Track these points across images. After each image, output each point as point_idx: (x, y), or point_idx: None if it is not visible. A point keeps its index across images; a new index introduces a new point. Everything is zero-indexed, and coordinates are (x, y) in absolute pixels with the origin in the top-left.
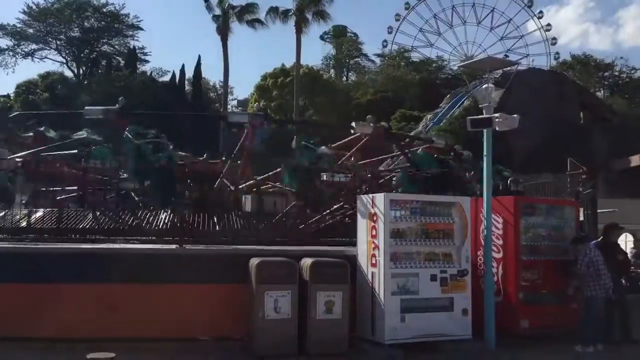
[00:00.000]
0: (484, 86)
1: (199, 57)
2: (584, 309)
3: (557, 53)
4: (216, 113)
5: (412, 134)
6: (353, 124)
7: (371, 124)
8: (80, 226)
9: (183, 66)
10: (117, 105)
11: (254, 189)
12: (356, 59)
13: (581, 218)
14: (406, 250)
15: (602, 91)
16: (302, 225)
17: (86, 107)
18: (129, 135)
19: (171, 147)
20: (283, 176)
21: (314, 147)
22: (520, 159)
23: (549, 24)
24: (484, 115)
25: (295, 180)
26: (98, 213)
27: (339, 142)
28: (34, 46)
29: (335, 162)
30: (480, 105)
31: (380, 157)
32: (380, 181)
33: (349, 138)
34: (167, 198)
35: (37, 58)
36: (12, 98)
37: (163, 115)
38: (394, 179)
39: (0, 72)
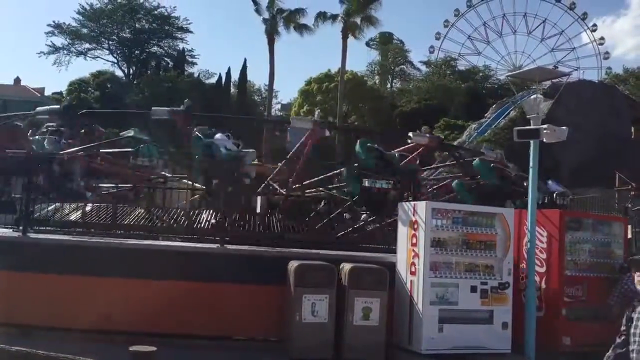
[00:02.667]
0: (532, 96)
1: (245, 60)
2: None
3: (609, 68)
4: (280, 118)
5: (455, 143)
6: (410, 134)
7: (427, 135)
8: (125, 222)
9: (229, 69)
10: (181, 106)
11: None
12: (401, 66)
13: (629, 235)
14: (446, 260)
15: None
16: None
17: (153, 108)
18: (199, 135)
19: (240, 146)
20: (345, 180)
21: (379, 148)
22: (568, 172)
23: (602, 38)
24: (532, 126)
25: (358, 185)
26: (144, 210)
27: (394, 151)
28: (87, 45)
29: (399, 163)
30: (527, 116)
31: (433, 166)
32: (432, 189)
33: (403, 147)
34: (233, 199)
35: (90, 57)
36: (64, 95)
37: (226, 118)
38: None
39: (54, 70)
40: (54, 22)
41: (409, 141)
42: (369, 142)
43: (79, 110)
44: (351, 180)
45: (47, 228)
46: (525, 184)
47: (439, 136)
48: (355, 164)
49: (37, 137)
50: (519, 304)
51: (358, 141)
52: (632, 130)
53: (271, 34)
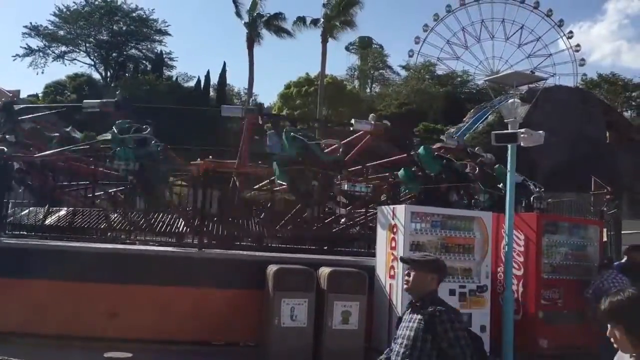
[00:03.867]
0: (510, 101)
1: (224, 63)
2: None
3: (585, 74)
4: (212, 107)
5: (435, 146)
6: (353, 121)
7: (372, 122)
8: (102, 226)
9: (208, 72)
10: (115, 99)
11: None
12: (381, 71)
13: (605, 238)
14: None
15: (629, 111)
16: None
17: (84, 101)
18: (115, 130)
19: (154, 141)
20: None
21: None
22: (544, 176)
23: (578, 45)
24: (509, 131)
25: (285, 175)
26: (121, 213)
27: (342, 141)
28: (64, 48)
29: (325, 153)
30: (505, 120)
31: (386, 160)
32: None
33: (351, 137)
34: (151, 191)
35: (67, 60)
36: (40, 98)
37: (163, 108)
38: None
39: (31, 72)
40: (30, 23)
41: (351, 129)
42: (294, 131)
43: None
44: (278, 169)
45: (22, 232)
46: (470, 175)
47: (385, 123)
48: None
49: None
50: (497, 307)
51: (284, 131)
52: (607, 134)
53: (250, 38)
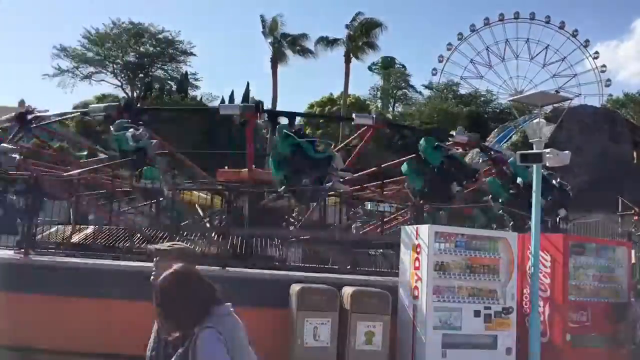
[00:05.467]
0: (535, 120)
1: (247, 83)
2: None
3: (610, 94)
4: (207, 107)
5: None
6: (354, 115)
7: (373, 116)
8: (127, 244)
9: (232, 92)
10: (118, 102)
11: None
12: (403, 90)
13: (633, 260)
14: (449, 284)
15: None
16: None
17: (90, 106)
18: (112, 128)
19: (147, 135)
20: (269, 165)
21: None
22: (566, 199)
23: (604, 65)
24: (534, 151)
25: (281, 171)
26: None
27: (348, 140)
28: (92, 69)
29: (317, 150)
30: (530, 140)
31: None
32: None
33: (355, 135)
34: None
35: (95, 80)
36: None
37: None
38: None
39: (59, 92)
40: (59, 45)
41: (352, 123)
42: (286, 128)
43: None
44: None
45: (50, 250)
46: (470, 165)
47: (384, 115)
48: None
49: (117, 133)
50: (523, 329)
51: (277, 128)
52: (634, 154)
53: (274, 59)
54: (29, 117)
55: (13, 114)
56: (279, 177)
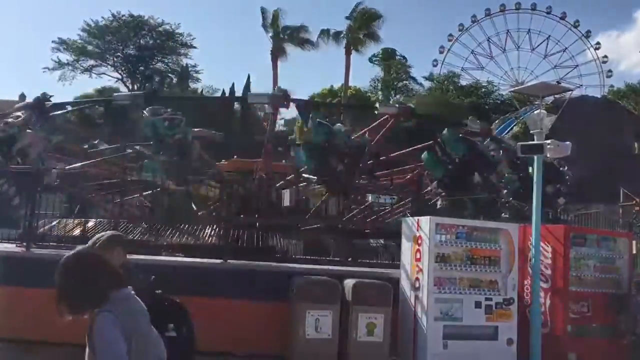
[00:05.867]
0: (535, 112)
1: (248, 76)
2: None
3: (612, 86)
4: (235, 97)
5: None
6: (377, 104)
7: (397, 105)
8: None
9: (233, 85)
10: (145, 91)
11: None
12: (404, 82)
13: (634, 251)
14: (450, 276)
15: None
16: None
17: (114, 94)
18: (146, 114)
19: (183, 121)
20: (297, 156)
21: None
22: (571, 188)
23: (605, 56)
24: (535, 142)
25: (312, 160)
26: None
27: (366, 129)
28: (92, 62)
29: (350, 137)
30: (531, 131)
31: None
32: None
33: (374, 124)
34: (181, 173)
35: (95, 74)
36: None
37: (188, 100)
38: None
39: (59, 85)
40: (59, 38)
41: (376, 112)
42: (320, 117)
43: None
44: (304, 153)
45: (51, 243)
46: (493, 155)
47: (410, 105)
48: None
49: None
50: (524, 320)
51: (309, 117)
52: (635, 145)
53: (275, 51)
54: (47, 104)
55: (27, 102)
56: (310, 166)
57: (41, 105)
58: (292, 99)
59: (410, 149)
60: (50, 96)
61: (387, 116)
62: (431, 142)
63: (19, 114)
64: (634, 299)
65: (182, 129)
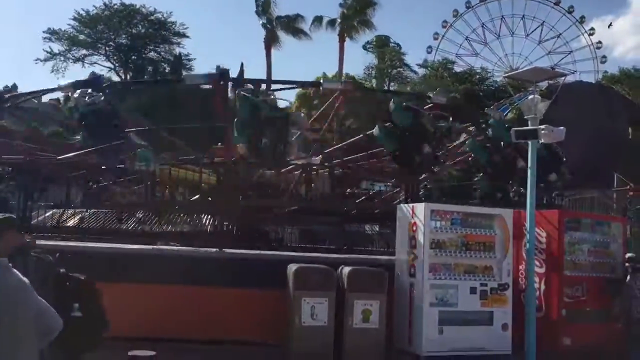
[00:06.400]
0: (530, 97)
1: (242, 64)
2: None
3: (606, 71)
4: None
5: (455, 144)
6: (322, 80)
7: (341, 80)
8: (125, 227)
9: (227, 73)
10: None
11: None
12: (398, 69)
13: (628, 235)
14: (445, 262)
15: None
16: None
17: (185, 74)
18: (244, 95)
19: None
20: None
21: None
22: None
23: (599, 42)
24: (530, 127)
25: (244, 136)
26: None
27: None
28: (84, 52)
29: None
30: (525, 117)
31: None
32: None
33: (326, 105)
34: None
35: (87, 63)
36: (61, 102)
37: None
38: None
39: (51, 76)
40: (49, 28)
41: (321, 88)
42: (245, 92)
43: None
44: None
45: (44, 234)
46: (442, 124)
47: (351, 80)
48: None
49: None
50: (519, 305)
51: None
52: (629, 130)
53: (268, 40)
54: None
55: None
56: (242, 141)
57: (98, 83)
58: (231, 77)
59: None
60: (100, 76)
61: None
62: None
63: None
64: (627, 283)
65: (282, 110)
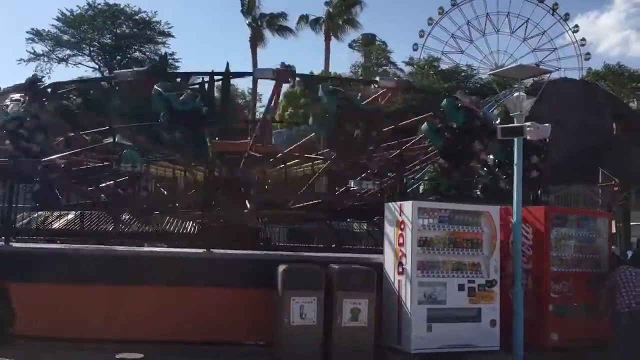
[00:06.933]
0: (515, 94)
1: (227, 64)
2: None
3: (590, 68)
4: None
5: None
6: (377, 78)
7: (395, 78)
8: (111, 229)
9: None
10: (146, 67)
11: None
12: (384, 67)
13: (613, 230)
14: (433, 259)
15: (635, 102)
16: None
17: (115, 71)
18: (159, 90)
19: (197, 98)
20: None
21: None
22: (550, 169)
23: (583, 39)
24: (515, 124)
25: (325, 128)
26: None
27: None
28: (68, 52)
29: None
30: (511, 114)
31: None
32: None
33: (372, 97)
34: (199, 150)
35: (71, 64)
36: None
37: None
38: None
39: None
40: (33, 29)
41: (376, 86)
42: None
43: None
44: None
45: (30, 237)
46: (494, 122)
47: (407, 80)
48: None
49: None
50: (507, 302)
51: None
52: (614, 126)
53: (254, 38)
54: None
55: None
56: (323, 133)
57: (35, 87)
58: (298, 73)
59: (411, 120)
60: (42, 77)
61: (384, 90)
62: (430, 113)
63: (15, 96)
64: (612, 275)
65: (197, 103)
